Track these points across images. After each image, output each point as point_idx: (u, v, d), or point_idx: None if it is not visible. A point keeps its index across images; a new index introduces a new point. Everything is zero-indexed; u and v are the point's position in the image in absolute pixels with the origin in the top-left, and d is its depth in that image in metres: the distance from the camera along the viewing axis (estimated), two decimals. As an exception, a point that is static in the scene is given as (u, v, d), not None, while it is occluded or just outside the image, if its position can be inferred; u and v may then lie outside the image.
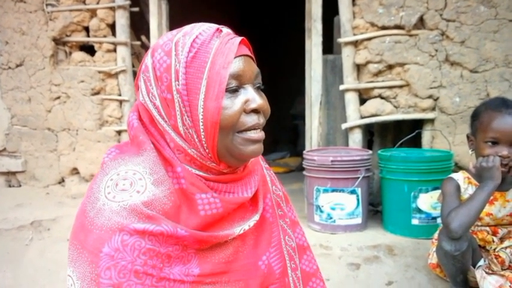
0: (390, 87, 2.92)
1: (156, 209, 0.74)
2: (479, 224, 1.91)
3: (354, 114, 3.01)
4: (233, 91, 0.78)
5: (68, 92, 3.62)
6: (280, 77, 6.57)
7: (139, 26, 3.76)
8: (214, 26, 0.82)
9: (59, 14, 3.56)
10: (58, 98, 3.68)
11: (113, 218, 0.71)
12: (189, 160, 0.80)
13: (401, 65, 2.87)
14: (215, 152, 0.79)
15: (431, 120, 2.88)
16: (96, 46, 3.60)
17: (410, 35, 2.85)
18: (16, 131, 3.86)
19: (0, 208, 3.28)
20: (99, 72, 3.55)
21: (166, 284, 0.73)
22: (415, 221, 2.53)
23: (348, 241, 2.51)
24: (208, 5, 5.26)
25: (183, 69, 0.76)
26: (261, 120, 0.81)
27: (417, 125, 2.97)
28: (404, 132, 2.96)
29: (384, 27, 2.89)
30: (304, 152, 2.92)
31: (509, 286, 1.64)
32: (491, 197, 1.78)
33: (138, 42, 3.69)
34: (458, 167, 2.72)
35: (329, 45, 3.24)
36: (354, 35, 2.97)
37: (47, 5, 3.59)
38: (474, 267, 1.79)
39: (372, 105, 2.96)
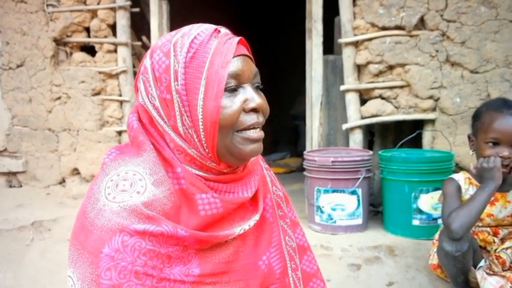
0: (391, 88, 2.92)
1: (156, 209, 0.74)
2: (480, 224, 1.90)
3: (355, 115, 3.01)
4: (232, 90, 0.78)
5: (68, 92, 3.63)
6: (281, 78, 6.57)
7: (140, 26, 3.77)
8: (213, 26, 0.82)
9: (60, 15, 3.56)
10: (59, 98, 3.68)
11: (113, 218, 0.71)
12: (189, 160, 0.81)
13: (402, 65, 2.87)
14: (215, 152, 0.79)
15: (432, 121, 2.88)
16: (96, 47, 3.61)
17: (411, 36, 2.85)
18: (17, 131, 3.86)
19: (1, 208, 3.28)
20: (100, 72, 3.55)
21: (167, 285, 0.73)
22: (415, 222, 2.53)
23: (349, 242, 2.51)
24: (208, 5, 5.26)
25: (182, 69, 0.76)
26: (260, 119, 0.81)
27: (418, 125, 2.97)
28: (405, 133, 2.96)
29: (384, 28, 2.89)
30: (304, 152, 2.92)
31: (510, 287, 1.64)
32: (492, 198, 1.78)
33: (139, 43, 3.69)
34: (459, 168, 2.72)
35: (330, 46, 3.24)
36: (355, 35, 2.97)
37: (47, 5, 3.60)
38: (475, 268, 1.79)
39: (372, 106, 2.96)
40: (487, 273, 1.73)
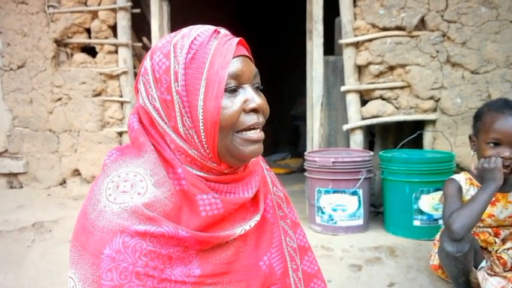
0: (391, 89, 2.92)
1: (157, 210, 0.74)
2: (481, 225, 1.90)
3: (355, 116, 3.01)
4: (232, 91, 0.78)
5: (69, 93, 3.63)
6: (281, 78, 6.58)
7: (140, 27, 3.77)
8: (212, 27, 0.82)
9: (61, 16, 3.57)
10: (59, 99, 3.69)
11: (114, 219, 0.71)
12: (189, 161, 0.81)
13: (403, 66, 2.87)
14: (216, 152, 0.79)
15: (433, 122, 2.88)
16: (97, 48, 3.61)
17: (412, 36, 2.85)
18: (18, 132, 3.87)
19: (1, 209, 3.28)
20: (101, 73, 3.56)
21: (168, 285, 0.73)
22: (416, 222, 2.53)
23: (350, 242, 2.51)
24: (208, 6, 5.27)
25: (182, 70, 0.77)
26: (260, 119, 0.81)
27: (418, 126, 2.97)
28: (406, 134, 2.95)
29: (385, 29, 2.89)
30: (305, 153, 2.92)
31: (511, 287, 1.64)
32: (493, 198, 1.78)
33: (140, 44, 3.70)
34: (460, 168, 2.72)
35: (330, 47, 3.24)
36: (355, 36, 2.97)
37: (48, 6, 3.60)
38: (476, 268, 1.79)
39: (373, 107, 2.96)
40: (488, 274, 1.72)
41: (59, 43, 3.66)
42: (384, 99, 2.96)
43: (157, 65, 0.79)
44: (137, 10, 3.59)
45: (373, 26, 2.91)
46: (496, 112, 1.74)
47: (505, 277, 1.69)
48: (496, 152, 1.71)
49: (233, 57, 0.78)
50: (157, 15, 3.47)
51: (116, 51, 3.57)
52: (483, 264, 1.79)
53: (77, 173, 3.74)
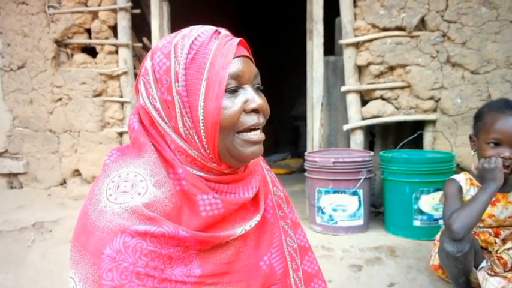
0: (392, 89, 2.92)
1: (157, 210, 0.74)
2: (482, 225, 1.90)
3: (356, 116, 3.01)
4: (232, 91, 0.78)
5: (69, 93, 3.63)
6: (281, 78, 6.58)
7: (140, 28, 3.77)
8: (213, 28, 0.82)
9: (61, 16, 3.57)
10: (60, 99, 3.69)
11: (115, 220, 0.71)
12: (190, 161, 0.81)
13: (403, 66, 2.87)
14: (216, 153, 0.79)
15: (433, 122, 2.88)
16: (97, 48, 3.61)
17: (412, 37, 2.85)
18: (18, 132, 3.87)
19: (2, 210, 3.28)
20: (101, 74, 3.56)
21: (168, 285, 0.73)
22: (416, 223, 2.53)
23: (350, 242, 2.51)
24: (209, 6, 5.27)
25: (183, 70, 0.77)
26: (260, 119, 0.82)
27: (419, 126, 2.97)
28: (406, 134, 2.95)
29: (385, 29, 2.89)
30: (305, 153, 2.92)
31: (512, 288, 1.64)
32: (494, 199, 1.78)
33: (140, 44, 3.70)
34: (460, 168, 2.72)
35: (330, 47, 3.25)
36: (355, 36, 2.98)
37: (48, 7, 3.60)
38: (476, 268, 1.79)
39: (373, 107, 2.96)
40: (489, 274, 1.72)
41: (59, 43, 3.66)
42: (384, 99, 2.96)
43: (158, 65, 0.79)
44: (137, 10, 3.59)
45: (373, 26, 2.91)
46: (496, 112, 1.74)
47: (505, 277, 1.69)
48: (497, 152, 1.71)
49: (234, 58, 0.78)
50: (158, 15, 3.47)
51: (116, 52, 3.57)
52: (483, 264, 1.79)
53: (77, 173, 3.75)
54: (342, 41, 3.01)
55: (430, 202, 2.49)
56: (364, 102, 3.04)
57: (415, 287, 2.11)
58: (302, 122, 5.04)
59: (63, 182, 3.82)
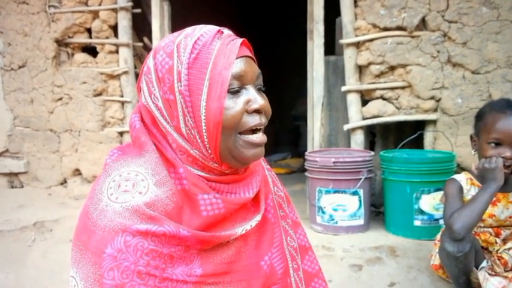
0: (392, 89, 2.92)
1: (158, 209, 0.74)
2: (482, 225, 1.90)
3: (356, 116, 3.01)
4: (235, 92, 0.78)
5: (70, 93, 3.63)
6: (282, 78, 6.58)
7: (141, 27, 3.77)
8: (216, 27, 0.82)
9: (62, 16, 3.57)
10: (60, 99, 3.69)
11: (116, 219, 0.71)
12: (191, 161, 0.81)
13: (403, 66, 2.87)
14: (217, 153, 0.79)
15: (434, 122, 2.88)
16: (98, 47, 3.61)
17: (412, 36, 2.85)
18: (18, 132, 3.87)
19: (2, 209, 3.29)
20: (101, 73, 3.56)
21: (169, 285, 0.73)
22: (417, 222, 2.53)
23: (350, 242, 2.51)
24: (209, 6, 5.27)
25: (185, 70, 0.76)
26: (262, 120, 0.82)
27: (419, 126, 2.97)
28: (407, 134, 2.95)
29: (385, 29, 2.89)
30: (306, 153, 2.92)
31: (512, 288, 1.64)
32: (494, 198, 1.78)
33: (140, 44, 3.70)
34: (461, 168, 2.72)
35: (331, 47, 3.25)
36: (356, 36, 2.97)
37: (49, 6, 3.61)
38: (477, 268, 1.78)
39: (374, 107, 2.96)
40: (489, 274, 1.72)
41: (60, 43, 3.66)
42: (384, 99, 2.96)
43: (161, 64, 0.79)
44: (138, 10, 3.59)
45: (374, 26, 2.91)
46: (497, 112, 1.74)
47: (506, 277, 1.69)
48: (497, 152, 1.71)
49: (236, 58, 0.78)
50: (158, 15, 3.47)
51: (117, 51, 3.57)
52: (484, 264, 1.79)
53: (77, 172, 3.75)
54: (343, 41, 3.01)
55: (430, 202, 2.49)
56: (364, 102, 3.04)
57: (415, 287, 2.11)
58: (302, 122, 5.04)
59: (64, 182, 3.82)
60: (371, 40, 2.91)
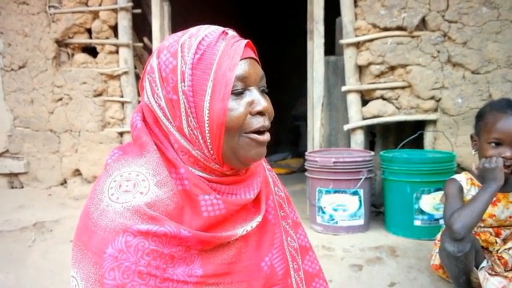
0: (392, 89, 2.92)
1: (159, 210, 0.74)
2: (482, 225, 1.90)
3: (356, 116, 3.01)
4: (238, 93, 0.78)
5: (70, 93, 3.63)
6: (282, 78, 6.57)
7: (141, 27, 3.77)
8: (220, 28, 0.82)
9: (62, 16, 3.57)
10: (60, 99, 3.69)
11: (117, 219, 0.71)
12: (192, 162, 0.81)
13: (404, 66, 2.87)
14: (220, 154, 0.79)
15: (434, 122, 2.88)
16: (98, 48, 3.61)
17: (412, 36, 2.85)
18: (18, 132, 3.87)
19: (2, 209, 3.29)
20: (102, 73, 3.56)
21: (170, 285, 0.73)
22: (417, 222, 2.53)
23: (350, 242, 2.51)
24: (209, 6, 5.27)
25: (189, 70, 0.76)
26: (266, 122, 0.81)
27: (419, 126, 2.97)
28: (407, 134, 2.96)
29: (385, 29, 2.89)
30: (306, 153, 2.92)
31: (513, 287, 1.64)
32: (494, 198, 1.78)
33: (140, 44, 3.70)
34: (461, 168, 2.72)
35: (331, 47, 3.25)
36: (356, 36, 2.98)
37: (49, 7, 3.61)
38: (477, 268, 1.79)
39: (374, 107, 2.96)
40: (489, 274, 1.72)
41: (60, 43, 3.66)
42: (384, 99, 2.96)
43: (164, 64, 0.79)
44: (138, 10, 3.59)
45: (374, 26, 2.91)
46: (498, 112, 1.74)
47: (506, 277, 1.69)
48: (498, 152, 1.71)
49: (240, 59, 0.78)
50: (158, 15, 3.47)
51: (117, 52, 3.57)
52: (484, 264, 1.79)
53: (77, 173, 3.75)
54: (343, 41, 3.01)
55: (430, 202, 2.49)
56: (364, 102, 3.04)
57: (415, 287, 2.11)
58: (302, 122, 5.04)
59: (64, 182, 3.82)
60: (371, 40, 2.91)
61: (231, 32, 0.82)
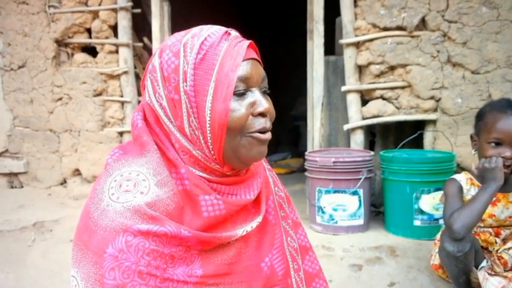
0: (392, 88, 2.92)
1: (159, 210, 0.74)
2: (482, 225, 1.90)
3: (356, 115, 3.01)
4: (240, 94, 0.78)
5: (70, 93, 3.63)
6: (282, 78, 6.57)
7: (141, 27, 3.77)
8: (223, 28, 0.82)
9: (61, 16, 3.57)
10: (60, 99, 3.69)
11: (117, 218, 0.71)
12: (193, 162, 0.81)
13: (403, 66, 2.87)
14: (221, 154, 0.79)
15: (433, 121, 2.88)
16: (98, 47, 3.61)
17: (412, 36, 2.85)
18: (18, 132, 3.87)
19: (2, 209, 3.28)
20: (101, 73, 3.56)
21: (170, 285, 0.73)
22: (417, 222, 2.53)
23: (350, 242, 2.51)
24: (209, 6, 5.27)
25: (192, 70, 0.76)
26: (268, 124, 0.81)
27: (419, 126, 2.97)
28: (406, 133, 2.96)
29: (385, 29, 2.89)
30: (306, 153, 2.92)
31: (512, 287, 1.64)
32: (494, 198, 1.78)
33: (140, 44, 3.70)
34: (461, 168, 2.72)
35: (331, 47, 3.25)
36: (356, 36, 2.98)
37: (49, 6, 3.61)
38: (477, 268, 1.79)
39: (373, 106, 2.96)
40: (489, 274, 1.72)
41: (60, 43, 3.66)
42: (384, 99, 2.96)
43: (166, 63, 0.78)
44: (138, 10, 3.59)
45: (374, 26, 2.92)
46: (498, 112, 1.74)
47: (505, 277, 1.69)
48: (497, 151, 1.71)
49: (243, 60, 0.78)
50: (158, 15, 3.47)
51: (117, 51, 3.57)
52: (484, 264, 1.79)
53: (77, 172, 3.75)
54: (343, 41, 3.01)
55: (430, 202, 2.49)
56: (364, 102, 3.04)
57: (415, 287, 2.11)
58: (302, 122, 5.04)
59: (64, 182, 3.82)
60: (371, 40, 2.91)
61: (234, 33, 0.82)
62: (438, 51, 2.81)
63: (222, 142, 0.77)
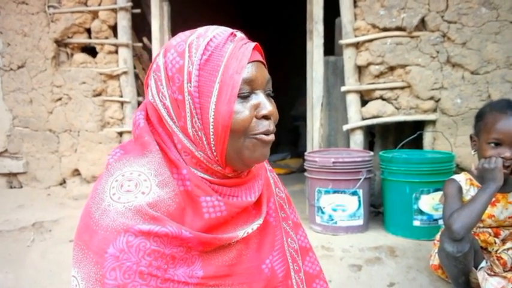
0: (391, 89, 2.93)
1: (160, 210, 0.74)
2: (481, 225, 1.91)
3: (355, 116, 3.01)
4: (245, 96, 0.78)
5: (69, 93, 3.63)
6: (282, 79, 6.57)
7: (141, 27, 3.77)
8: (229, 29, 0.81)
9: (61, 16, 3.57)
10: (59, 99, 3.69)
11: (118, 219, 0.71)
12: (195, 163, 0.80)
13: (403, 66, 2.87)
14: (223, 156, 0.79)
15: (433, 122, 2.89)
16: (97, 48, 3.61)
17: (412, 37, 2.85)
18: (18, 132, 3.86)
19: (1, 209, 3.28)
20: (101, 73, 3.56)
21: (171, 286, 0.73)
22: (416, 223, 2.53)
23: (350, 242, 2.51)
24: (209, 6, 5.27)
25: (196, 71, 0.76)
26: (271, 126, 0.81)
27: (419, 126, 2.97)
28: (406, 134, 2.96)
29: (385, 29, 2.89)
30: (305, 153, 2.92)
31: (512, 288, 1.64)
32: (493, 199, 1.78)
33: (140, 44, 3.70)
34: (460, 169, 2.72)
35: (330, 47, 3.25)
36: (356, 36, 2.98)
37: (48, 6, 3.60)
38: (476, 268, 1.79)
39: (373, 107, 2.96)
40: (488, 274, 1.73)
41: (59, 43, 3.66)
42: (384, 99, 2.96)
43: (171, 63, 0.78)
44: (137, 10, 3.59)
45: (374, 26, 2.92)
46: (498, 112, 1.74)
47: (504, 277, 1.69)
48: (497, 152, 1.72)
49: (248, 62, 0.78)
50: (158, 15, 3.47)
51: (116, 51, 3.57)
52: (483, 264, 1.80)
53: (76, 173, 3.74)
54: (342, 41, 3.01)
55: (429, 202, 2.49)
56: (364, 103, 3.04)
57: (414, 287, 2.11)
58: (302, 122, 5.03)
59: (63, 182, 3.82)
60: (370, 40, 2.92)
61: (239, 34, 0.82)
62: (438, 52, 2.82)
63: (225, 144, 0.77)
